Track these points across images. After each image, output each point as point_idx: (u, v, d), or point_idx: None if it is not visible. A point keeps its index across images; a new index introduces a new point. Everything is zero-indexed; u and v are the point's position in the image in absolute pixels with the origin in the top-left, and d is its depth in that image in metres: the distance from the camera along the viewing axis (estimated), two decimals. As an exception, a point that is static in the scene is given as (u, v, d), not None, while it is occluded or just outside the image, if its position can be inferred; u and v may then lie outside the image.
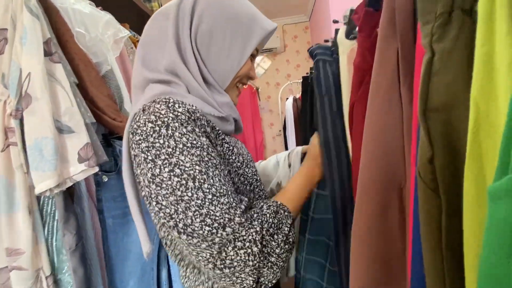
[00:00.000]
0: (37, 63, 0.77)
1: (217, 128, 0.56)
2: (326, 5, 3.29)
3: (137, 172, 0.52)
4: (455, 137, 0.27)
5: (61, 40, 0.87)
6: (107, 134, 1.01)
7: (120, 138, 1.04)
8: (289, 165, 1.02)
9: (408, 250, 0.34)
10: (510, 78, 0.19)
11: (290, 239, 0.53)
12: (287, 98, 2.92)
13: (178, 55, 0.57)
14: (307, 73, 1.18)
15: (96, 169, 0.84)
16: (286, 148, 3.00)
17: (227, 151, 0.57)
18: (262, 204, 0.54)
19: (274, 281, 0.51)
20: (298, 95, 2.86)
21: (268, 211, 0.52)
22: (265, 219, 0.51)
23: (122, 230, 1.00)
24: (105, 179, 0.97)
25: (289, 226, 0.54)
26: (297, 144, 1.88)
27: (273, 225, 0.51)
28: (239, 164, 0.58)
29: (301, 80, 1.23)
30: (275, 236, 0.51)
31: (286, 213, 0.55)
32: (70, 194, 0.88)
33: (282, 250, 0.51)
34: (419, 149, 0.28)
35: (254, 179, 0.62)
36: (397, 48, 0.38)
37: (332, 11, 3.13)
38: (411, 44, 0.37)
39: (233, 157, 0.58)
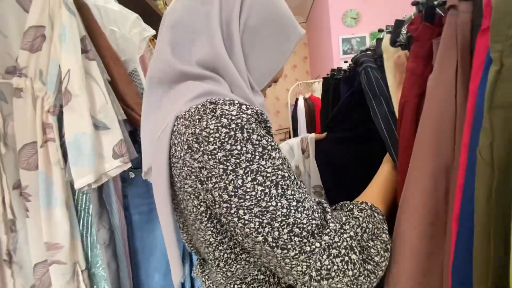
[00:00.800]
0: (75, 60, 0.78)
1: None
2: (325, 7, 3.35)
3: (186, 187, 0.46)
4: (511, 129, 0.35)
5: (92, 37, 0.88)
6: (132, 131, 1.03)
7: (145, 135, 1.05)
8: (303, 151, 1.05)
9: (453, 214, 0.43)
10: None
11: (388, 246, 0.49)
12: (297, 98, 2.98)
13: (224, 49, 0.51)
14: (327, 74, 1.22)
15: (130, 164, 0.86)
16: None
17: None
18: (350, 206, 0.52)
19: None
20: (307, 95, 2.93)
21: (360, 214, 0.49)
22: (358, 223, 0.47)
23: (148, 226, 1.02)
24: (132, 175, 0.99)
25: (387, 232, 0.50)
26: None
27: (367, 229, 0.48)
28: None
29: (321, 81, 1.28)
30: (372, 243, 0.47)
31: (380, 216, 0.51)
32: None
33: (382, 258, 0.47)
34: (481, 134, 0.37)
35: (302, 182, 0.58)
36: (456, 59, 0.45)
37: (331, 13, 3.19)
38: (469, 56, 0.44)
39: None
